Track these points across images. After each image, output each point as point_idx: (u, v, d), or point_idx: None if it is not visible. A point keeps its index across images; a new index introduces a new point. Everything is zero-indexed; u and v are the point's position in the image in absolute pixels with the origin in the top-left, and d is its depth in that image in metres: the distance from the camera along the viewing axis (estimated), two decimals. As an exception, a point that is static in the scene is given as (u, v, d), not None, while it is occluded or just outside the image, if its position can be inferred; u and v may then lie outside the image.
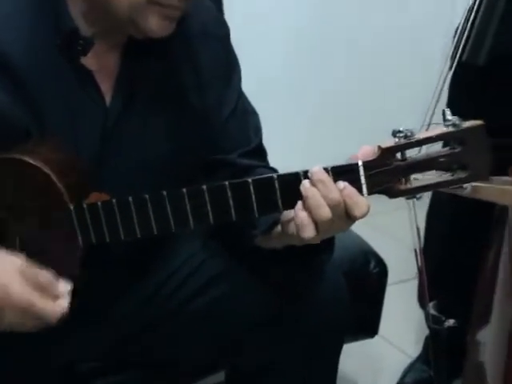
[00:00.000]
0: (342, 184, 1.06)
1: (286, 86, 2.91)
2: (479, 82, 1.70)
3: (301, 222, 1.07)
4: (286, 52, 2.90)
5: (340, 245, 1.23)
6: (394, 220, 1.56)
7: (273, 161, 1.40)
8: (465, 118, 1.08)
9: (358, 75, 2.99)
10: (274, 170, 1.31)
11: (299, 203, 1.07)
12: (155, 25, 1.14)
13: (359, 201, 1.06)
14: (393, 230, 1.68)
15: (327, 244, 1.18)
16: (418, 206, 1.39)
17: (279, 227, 1.17)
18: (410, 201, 1.17)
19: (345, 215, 1.07)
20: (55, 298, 1.10)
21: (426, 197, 1.76)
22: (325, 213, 1.05)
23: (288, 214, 1.12)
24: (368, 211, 1.07)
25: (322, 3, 2.91)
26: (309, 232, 1.07)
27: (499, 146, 1.12)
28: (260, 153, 1.38)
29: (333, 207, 1.05)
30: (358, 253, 1.43)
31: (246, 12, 2.59)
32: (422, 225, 1.88)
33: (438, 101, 1.52)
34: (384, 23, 2.98)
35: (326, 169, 1.07)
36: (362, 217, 1.07)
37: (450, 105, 1.74)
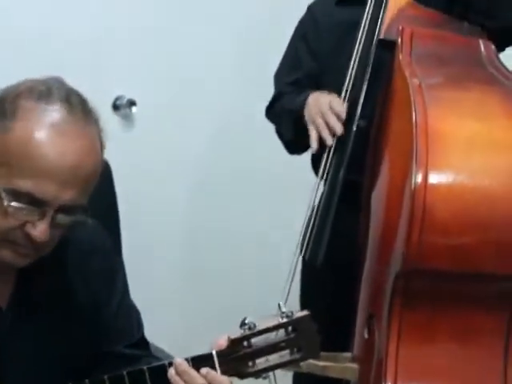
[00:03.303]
0: (204, 370, 1.33)
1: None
2: (317, 276, 1.94)
3: None
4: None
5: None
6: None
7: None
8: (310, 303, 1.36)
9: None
10: (158, 359, 1.53)
11: None
12: (9, 258, 1.36)
13: (222, 381, 1.32)
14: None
15: None
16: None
17: None
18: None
19: None
20: None
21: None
22: None
23: None
24: None
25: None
26: None
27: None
28: (143, 344, 1.60)
29: None
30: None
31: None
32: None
33: (289, 291, 1.78)
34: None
35: (186, 359, 1.34)
36: None
37: (301, 293, 2.00)
